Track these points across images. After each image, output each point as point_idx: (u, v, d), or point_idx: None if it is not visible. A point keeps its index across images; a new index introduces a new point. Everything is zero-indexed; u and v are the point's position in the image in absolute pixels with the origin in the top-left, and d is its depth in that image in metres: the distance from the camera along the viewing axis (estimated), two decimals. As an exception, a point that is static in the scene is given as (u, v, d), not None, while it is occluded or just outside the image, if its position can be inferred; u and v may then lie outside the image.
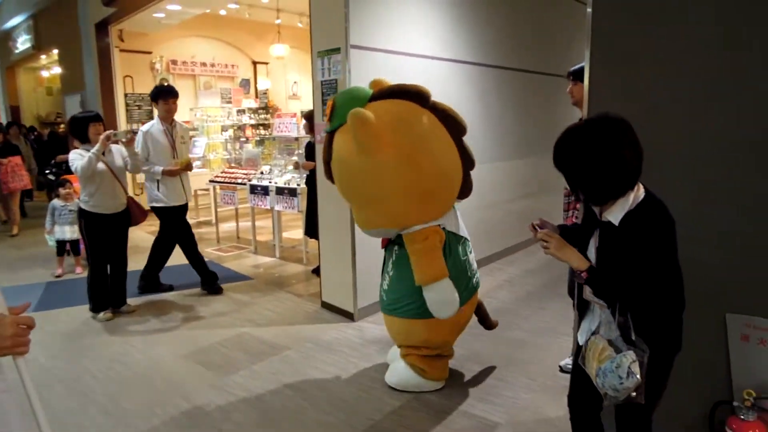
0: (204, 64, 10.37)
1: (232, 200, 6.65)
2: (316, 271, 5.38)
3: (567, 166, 1.68)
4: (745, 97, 2.07)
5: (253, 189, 6.13)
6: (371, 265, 4.19)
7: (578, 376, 1.93)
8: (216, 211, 7.17)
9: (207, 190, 8.07)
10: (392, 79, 4.20)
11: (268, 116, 9.09)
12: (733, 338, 2.18)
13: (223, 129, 8.78)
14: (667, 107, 2.27)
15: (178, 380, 3.26)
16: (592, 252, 1.79)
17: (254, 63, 11.36)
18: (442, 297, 2.80)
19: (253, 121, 9.16)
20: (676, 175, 2.26)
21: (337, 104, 2.88)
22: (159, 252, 4.83)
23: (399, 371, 3.10)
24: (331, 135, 2.95)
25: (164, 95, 4.65)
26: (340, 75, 3.90)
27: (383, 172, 2.72)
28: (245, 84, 11.08)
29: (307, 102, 11.82)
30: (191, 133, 8.16)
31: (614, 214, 1.67)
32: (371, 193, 2.83)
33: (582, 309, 1.95)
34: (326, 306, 4.40)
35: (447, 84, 4.83)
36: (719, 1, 2.09)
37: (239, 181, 6.53)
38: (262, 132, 8.82)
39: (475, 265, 3.09)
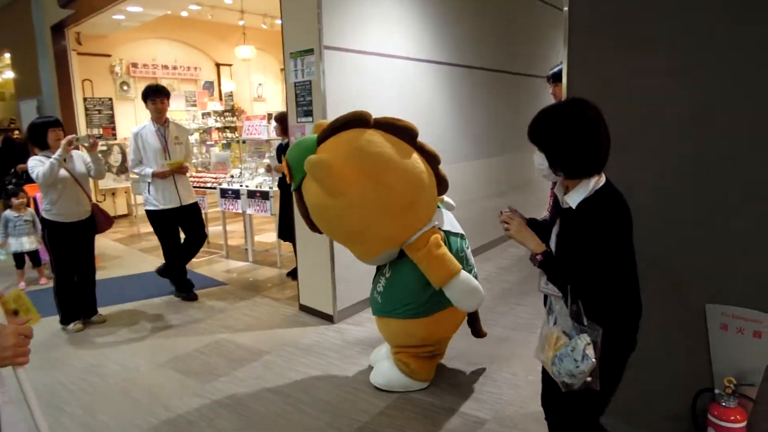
0: (166, 67, 10.14)
1: (202, 205, 6.51)
2: (292, 274, 5.33)
3: (545, 137, 1.73)
4: (716, 94, 2.15)
5: (224, 193, 6.03)
6: (350, 266, 4.18)
7: (548, 375, 1.98)
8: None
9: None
10: (367, 80, 4.24)
11: (235, 119, 8.94)
12: (713, 328, 2.26)
13: (189, 133, 8.58)
14: (641, 104, 2.33)
15: (158, 389, 3.17)
16: (553, 239, 1.86)
17: (217, 65, 11.17)
18: (464, 290, 2.80)
19: (219, 124, 9.00)
20: (655, 170, 2.33)
21: (290, 162, 2.87)
22: (181, 255, 4.76)
23: (385, 371, 3.10)
24: (298, 192, 2.92)
25: (152, 95, 4.47)
26: (314, 76, 3.88)
27: (359, 206, 2.71)
28: (209, 86, 10.89)
29: (273, 104, 11.72)
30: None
31: (573, 198, 1.72)
32: (357, 228, 2.82)
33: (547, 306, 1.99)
34: (304, 309, 4.36)
35: (420, 84, 4.86)
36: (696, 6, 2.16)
37: (209, 185, 6.41)
38: (229, 135, 8.67)
39: (472, 260, 3.15)
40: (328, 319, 4.13)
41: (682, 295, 2.32)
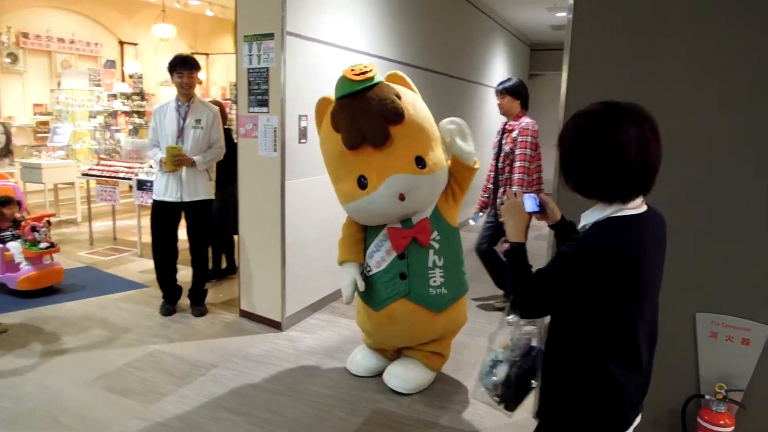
0: (62, 40, 9.05)
1: (113, 197, 5.86)
2: (222, 274, 4.94)
3: (562, 139, 1.45)
4: (713, 103, 2.20)
5: (142, 184, 5.45)
6: (302, 268, 3.92)
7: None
8: (90, 209, 6.26)
9: (71, 184, 7.07)
10: (327, 72, 4.00)
11: (145, 103, 8.18)
12: (702, 335, 2.32)
13: (92, 115, 7.72)
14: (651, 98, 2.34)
15: (92, 413, 2.73)
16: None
17: (121, 43, 10.19)
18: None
19: (126, 108, 8.19)
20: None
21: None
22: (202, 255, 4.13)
23: (416, 375, 3.02)
24: None
25: (179, 66, 3.74)
26: (272, 63, 3.56)
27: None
28: (110, 65, 9.90)
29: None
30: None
31: (585, 217, 1.45)
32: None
33: None
34: (246, 315, 4.01)
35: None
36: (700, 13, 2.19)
37: (122, 175, 5.77)
38: (138, 120, 7.91)
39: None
40: (275, 326, 3.83)
41: (674, 304, 2.36)
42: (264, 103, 3.66)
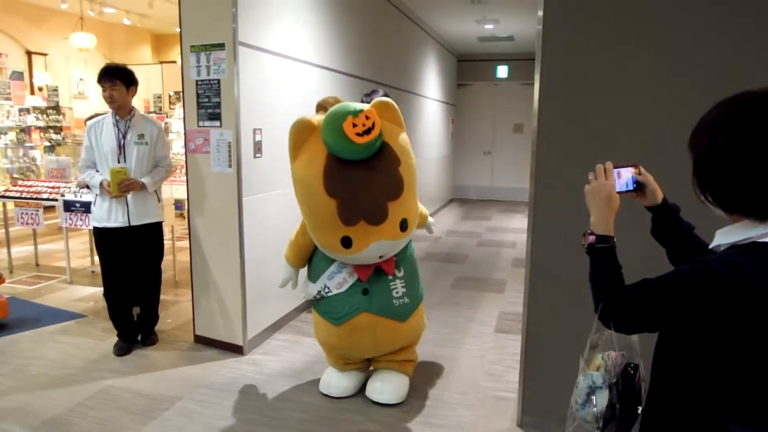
0: (-40, 50, 8.25)
1: (35, 220, 5.37)
2: None
3: (700, 147, 1.13)
4: (702, 96, 2.32)
5: (69, 206, 5.03)
6: (262, 288, 3.76)
7: None
8: (8, 233, 5.70)
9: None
10: (279, 84, 3.87)
11: (61, 117, 7.59)
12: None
13: (1, 132, 7.05)
14: (620, 108, 2.43)
15: (47, 465, 2.45)
16: None
17: (29, 53, 9.42)
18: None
19: (41, 123, 7.56)
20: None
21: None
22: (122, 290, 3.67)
23: (399, 385, 3.04)
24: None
25: (99, 79, 3.46)
26: (224, 75, 3.40)
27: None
28: (17, 77, 9.12)
29: (97, 102, 10.26)
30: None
31: (722, 235, 1.15)
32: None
33: None
34: (203, 341, 3.78)
35: (322, 92, 4.59)
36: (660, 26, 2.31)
37: (45, 195, 5.30)
38: (54, 136, 7.32)
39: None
40: (237, 350, 3.64)
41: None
42: (216, 117, 3.49)
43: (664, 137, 2.33)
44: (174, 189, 5.63)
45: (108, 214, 3.49)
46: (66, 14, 9.14)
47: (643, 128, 2.39)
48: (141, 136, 3.52)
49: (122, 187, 3.39)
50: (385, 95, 3.89)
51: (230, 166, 3.49)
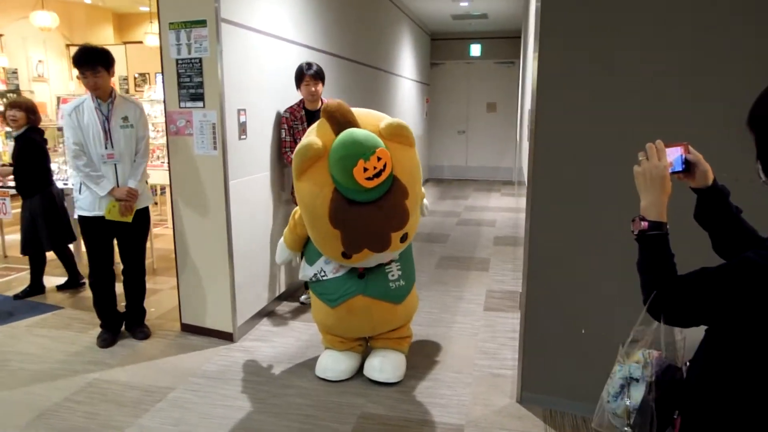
0: None
1: (2, 209, 5.12)
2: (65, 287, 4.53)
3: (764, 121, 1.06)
4: (706, 102, 2.31)
5: (39, 194, 4.80)
6: (250, 273, 3.69)
7: None
8: (-29, 225, 5.43)
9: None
10: (262, 63, 3.75)
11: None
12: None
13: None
14: (619, 107, 2.41)
15: (40, 463, 2.35)
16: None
17: (-17, 34, 8.93)
18: None
19: (1, 107, 7.18)
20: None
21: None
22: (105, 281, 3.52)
23: (398, 363, 3.05)
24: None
25: (78, 65, 3.22)
26: (207, 53, 3.26)
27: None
28: (-29, 60, 8.65)
29: (57, 85, 9.82)
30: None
31: None
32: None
33: None
34: (190, 329, 3.68)
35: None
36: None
37: (11, 183, 5.05)
38: (15, 121, 6.97)
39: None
40: (226, 338, 3.55)
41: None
42: (198, 97, 3.35)
43: (674, 118, 2.33)
44: (150, 174, 5.43)
45: (96, 203, 3.34)
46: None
47: (650, 106, 2.38)
48: (125, 119, 3.36)
49: (125, 210, 3.36)
50: (318, 67, 3.84)
51: (215, 148, 3.36)
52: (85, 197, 3.35)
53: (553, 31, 2.46)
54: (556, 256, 2.63)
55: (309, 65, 3.85)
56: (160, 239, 6.04)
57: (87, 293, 4.25)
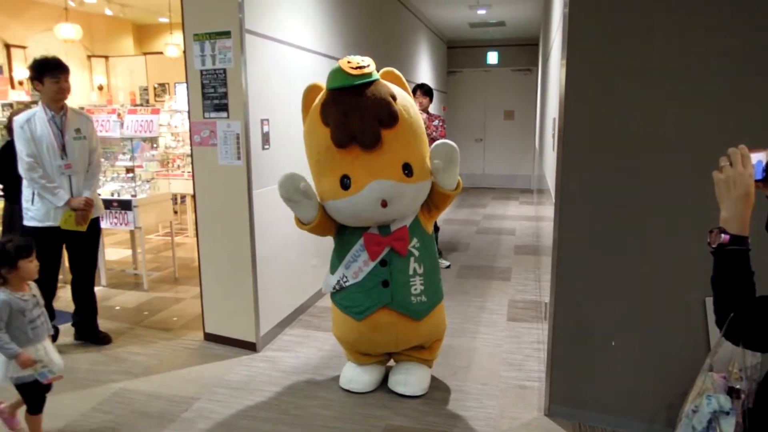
0: (-64, 44, 7.93)
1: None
2: None
3: None
4: (727, 97, 2.27)
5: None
6: (273, 282, 3.68)
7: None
8: (-3, 234, 5.51)
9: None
10: (286, 74, 3.78)
11: (47, 112, 7.34)
12: (712, 320, 2.41)
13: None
14: (642, 107, 2.38)
15: (68, 474, 2.36)
16: None
17: (7, 46, 9.10)
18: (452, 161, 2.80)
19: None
20: (657, 168, 2.37)
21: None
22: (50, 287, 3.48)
23: (423, 377, 3.03)
24: None
25: (53, 70, 3.27)
26: (231, 64, 3.28)
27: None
28: (-4, 72, 8.82)
29: (78, 96, 9.97)
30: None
31: None
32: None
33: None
34: (213, 338, 3.69)
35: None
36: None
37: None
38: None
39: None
40: (249, 347, 3.55)
41: (684, 289, 2.43)
42: (223, 108, 3.37)
43: (705, 125, 2.29)
44: (171, 183, 5.49)
45: (51, 214, 3.37)
46: (45, 5, 8.85)
47: (680, 116, 2.34)
48: (78, 130, 3.45)
49: (80, 219, 3.41)
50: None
51: (239, 158, 3.38)
52: (38, 208, 3.37)
53: (582, 37, 2.44)
54: (584, 266, 2.58)
55: None
56: (180, 248, 6.08)
57: (123, 303, 4.27)
